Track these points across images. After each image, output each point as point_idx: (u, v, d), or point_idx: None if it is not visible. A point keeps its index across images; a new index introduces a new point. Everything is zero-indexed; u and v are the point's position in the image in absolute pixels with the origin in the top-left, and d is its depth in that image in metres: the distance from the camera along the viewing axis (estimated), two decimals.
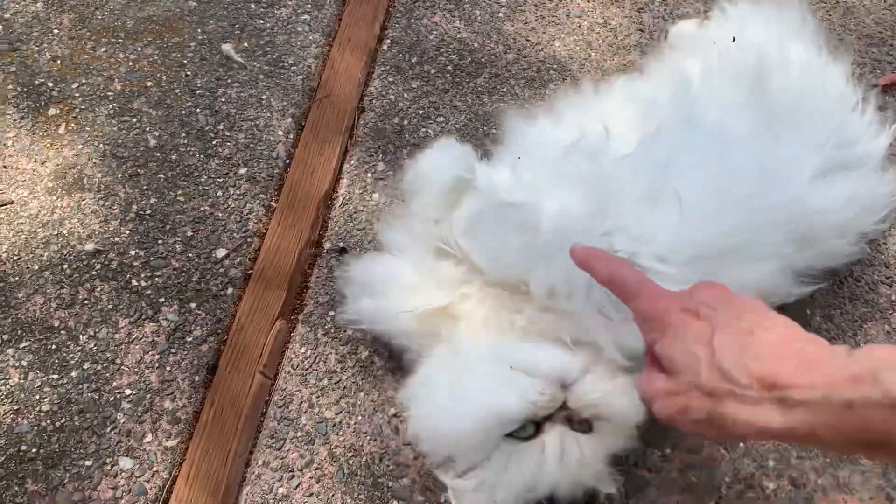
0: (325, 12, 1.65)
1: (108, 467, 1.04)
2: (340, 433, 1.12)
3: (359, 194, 1.38)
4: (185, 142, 1.38)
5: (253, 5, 1.63)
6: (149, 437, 1.07)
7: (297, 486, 1.06)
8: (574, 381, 0.93)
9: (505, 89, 1.60)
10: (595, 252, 0.80)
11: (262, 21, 1.60)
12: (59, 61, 1.46)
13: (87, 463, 1.04)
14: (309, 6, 1.65)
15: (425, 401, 1.01)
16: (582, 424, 0.94)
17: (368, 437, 1.12)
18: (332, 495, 1.06)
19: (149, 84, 1.45)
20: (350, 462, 1.09)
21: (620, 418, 0.94)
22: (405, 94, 1.55)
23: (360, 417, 1.14)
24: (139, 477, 1.04)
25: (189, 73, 1.48)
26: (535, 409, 0.91)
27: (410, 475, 1.09)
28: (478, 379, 0.94)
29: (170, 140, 1.38)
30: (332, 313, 1.23)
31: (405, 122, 1.50)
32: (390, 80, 1.57)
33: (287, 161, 1.40)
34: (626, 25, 1.79)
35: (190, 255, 1.25)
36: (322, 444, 1.10)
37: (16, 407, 1.08)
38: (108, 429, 1.07)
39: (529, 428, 0.93)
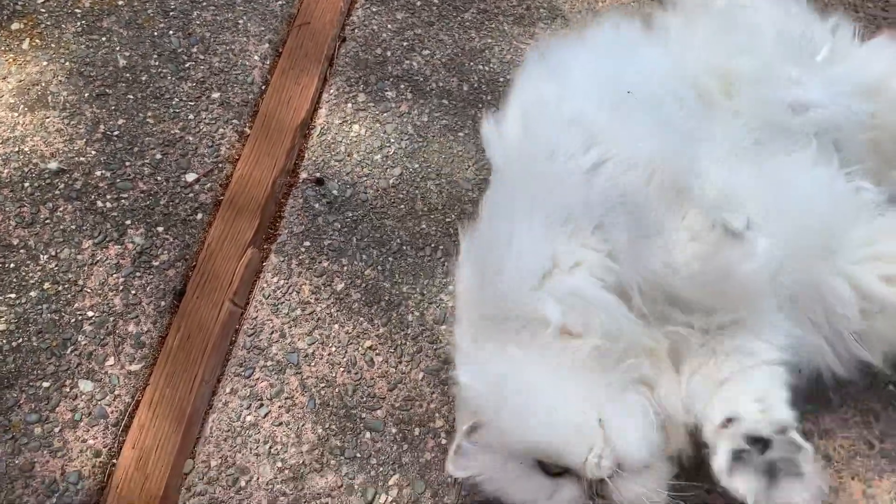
0: None
1: (68, 389, 1.00)
2: (313, 364, 1.08)
3: (338, 125, 1.33)
4: (157, 63, 1.32)
5: None
6: (111, 361, 1.03)
7: (266, 415, 1.03)
8: (627, 472, 0.87)
9: (493, 25, 1.55)
10: None
11: None
12: None
13: (45, 384, 1.00)
14: None
15: (499, 386, 0.93)
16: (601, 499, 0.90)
17: (342, 369, 1.08)
18: (303, 425, 1.03)
19: (120, 3, 1.38)
20: (322, 392, 1.06)
21: None
22: (389, 25, 1.49)
23: (333, 349, 1.10)
24: (100, 400, 1.00)
25: None
26: (581, 468, 0.87)
27: (384, 408, 1.06)
28: (560, 400, 0.89)
29: (140, 61, 1.32)
30: (306, 244, 1.19)
31: (388, 54, 1.45)
32: (373, 9, 1.51)
33: (262, 87, 1.35)
34: None
35: (158, 178, 1.20)
36: (293, 374, 1.07)
37: None
38: (68, 350, 1.03)
39: (558, 469, 0.89)
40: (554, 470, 0.89)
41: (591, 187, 0.94)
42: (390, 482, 1.00)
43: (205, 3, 1.42)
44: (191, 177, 1.21)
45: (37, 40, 1.30)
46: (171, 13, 1.39)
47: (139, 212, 1.16)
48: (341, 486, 0.99)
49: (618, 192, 0.94)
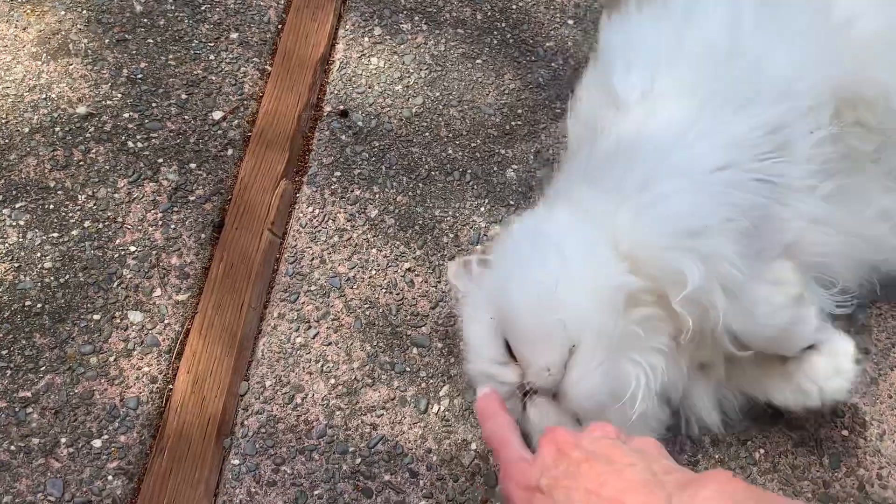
0: None
1: (118, 321, 1.00)
2: (355, 286, 1.08)
3: (356, 58, 1.32)
4: (173, 7, 1.31)
5: None
6: (158, 292, 1.03)
7: (315, 336, 1.03)
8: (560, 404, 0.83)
9: None
10: (489, 411, 0.74)
11: None
12: None
13: (96, 317, 1.00)
14: None
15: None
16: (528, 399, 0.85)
17: (384, 290, 1.08)
18: (351, 343, 1.03)
19: None
20: (367, 313, 1.06)
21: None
22: None
23: (373, 272, 1.10)
24: (150, 329, 1.00)
25: None
26: (526, 366, 0.83)
27: (428, 325, 1.06)
28: (565, 303, 0.82)
29: (156, 6, 1.31)
30: (337, 174, 1.18)
31: None
32: None
33: (279, 26, 1.34)
34: None
35: (185, 117, 1.19)
36: (337, 297, 1.07)
37: (17, 265, 1.02)
38: (115, 284, 1.03)
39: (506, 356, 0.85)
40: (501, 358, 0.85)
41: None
42: (441, 393, 1.01)
43: None
44: (217, 115, 1.20)
45: None
46: None
47: (170, 150, 1.15)
48: (394, 398, 1.00)
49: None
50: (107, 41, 1.25)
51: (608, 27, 1.15)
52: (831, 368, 0.96)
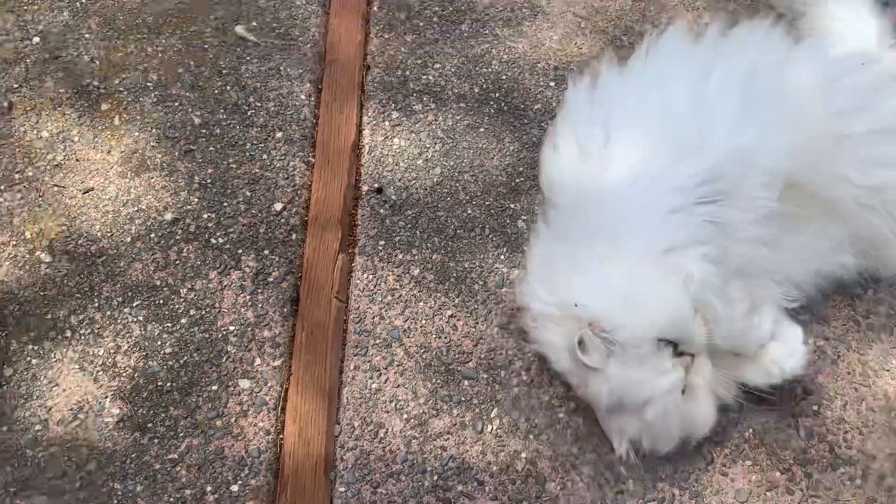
0: None
1: (232, 388, 1.25)
2: (411, 336, 1.33)
3: (381, 141, 1.57)
4: (224, 116, 1.55)
5: None
6: (258, 361, 1.27)
7: (386, 381, 1.28)
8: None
9: (487, 31, 1.78)
10: None
11: (263, 1, 1.75)
12: (97, 62, 1.60)
13: (214, 387, 1.24)
14: None
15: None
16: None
17: (434, 336, 1.33)
18: (415, 383, 1.28)
19: (180, 70, 1.61)
20: (423, 356, 1.31)
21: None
22: (402, 48, 1.72)
23: (423, 321, 1.35)
24: (258, 392, 1.25)
25: (212, 55, 1.64)
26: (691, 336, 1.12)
27: (474, 360, 1.31)
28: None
29: (210, 117, 1.55)
30: (381, 243, 1.43)
31: (407, 73, 1.68)
32: (386, 37, 1.74)
33: (314, 121, 1.58)
34: None
35: (253, 211, 1.43)
36: (398, 347, 1.32)
37: (145, 353, 1.27)
38: (224, 359, 1.27)
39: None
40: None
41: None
42: (492, 415, 1.26)
43: (248, 58, 1.65)
44: (278, 206, 1.44)
45: (124, 115, 1.53)
46: (223, 71, 1.62)
47: (246, 241, 1.40)
48: (455, 424, 1.25)
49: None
50: (176, 153, 1.49)
51: (575, 88, 1.42)
52: (787, 351, 1.23)
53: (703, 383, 1.15)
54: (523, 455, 1.23)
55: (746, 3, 1.93)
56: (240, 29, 1.68)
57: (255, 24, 1.70)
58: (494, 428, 1.25)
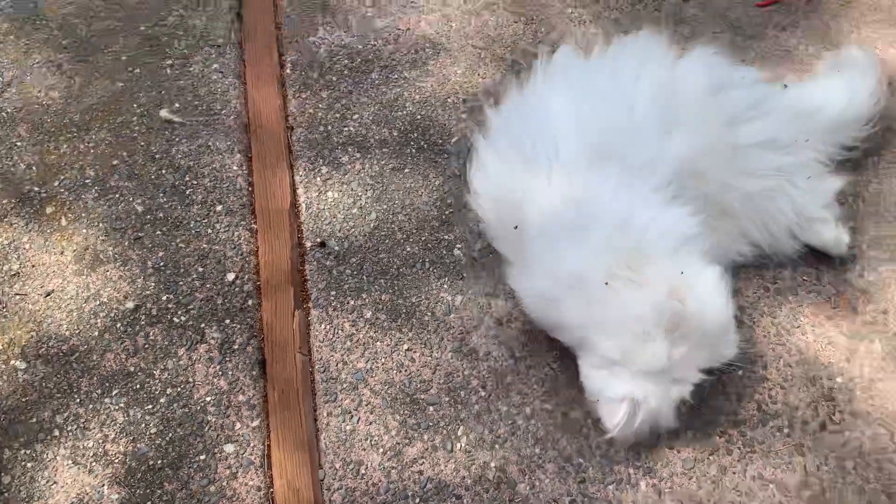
0: (228, 57, 1.90)
1: (218, 455, 1.34)
2: (374, 375, 1.44)
3: (316, 196, 1.68)
4: (165, 200, 1.64)
5: (168, 70, 1.86)
6: (238, 425, 1.37)
7: (358, 421, 1.39)
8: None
9: (396, 76, 1.90)
10: None
11: (181, 81, 1.84)
12: (34, 167, 1.67)
13: (202, 457, 1.34)
14: (213, 55, 1.90)
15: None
16: None
17: (395, 371, 1.45)
18: (385, 418, 1.39)
19: (115, 163, 1.69)
20: (388, 392, 1.42)
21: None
22: (319, 105, 1.83)
23: (383, 359, 1.46)
24: (243, 454, 1.35)
25: (142, 143, 1.72)
26: None
27: (435, 386, 1.43)
28: None
29: (152, 202, 1.63)
30: (332, 293, 1.54)
31: (329, 128, 1.79)
32: (303, 97, 1.85)
33: (250, 189, 1.68)
34: None
35: (208, 285, 1.53)
36: (364, 388, 1.43)
37: (132, 437, 1.36)
38: (206, 429, 1.37)
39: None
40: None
41: None
42: (459, 433, 1.38)
43: (177, 139, 1.74)
44: (231, 276, 1.54)
45: (69, 215, 1.60)
46: (156, 156, 1.71)
47: (207, 315, 1.49)
48: (427, 448, 1.37)
49: None
50: (126, 243, 1.57)
51: (505, 109, 1.54)
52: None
53: None
54: (492, 464, 1.35)
55: (628, 12, 2.09)
56: (164, 112, 1.76)
57: (177, 105, 1.79)
58: (463, 444, 1.37)
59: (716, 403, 1.42)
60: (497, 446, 1.37)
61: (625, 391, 1.26)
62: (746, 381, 1.46)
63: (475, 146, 1.56)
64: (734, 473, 1.36)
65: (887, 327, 1.57)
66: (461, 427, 1.39)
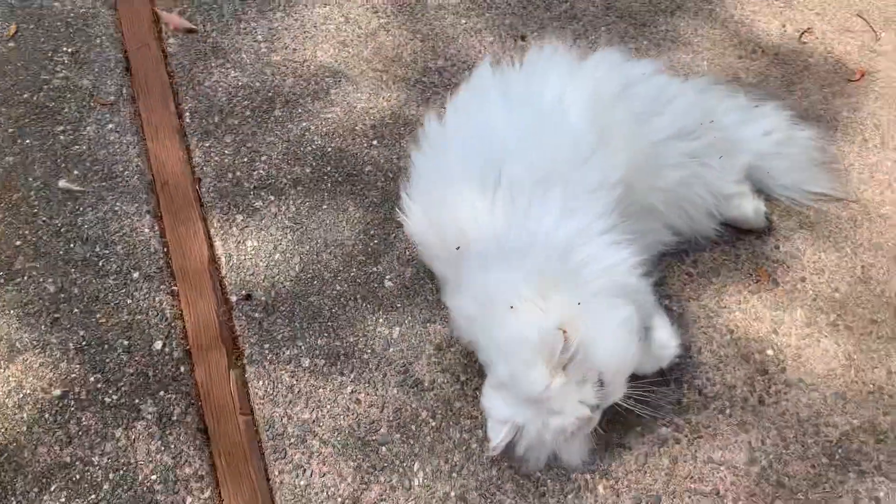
0: (123, 114, 1.83)
1: None
2: (321, 424, 1.42)
3: (234, 247, 1.63)
4: (78, 275, 1.57)
5: (61, 136, 1.78)
6: (189, 499, 1.33)
7: (311, 474, 1.36)
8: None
9: (299, 110, 1.87)
10: None
11: (77, 147, 1.76)
12: None
13: None
14: (108, 115, 1.82)
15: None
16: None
17: (341, 416, 1.43)
18: (339, 466, 1.37)
19: (18, 243, 1.61)
20: (338, 439, 1.40)
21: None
22: (225, 151, 1.78)
23: (328, 406, 1.44)
24: None
25: (44, 218, 1.64)
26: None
27: (384, 425, 1.42)
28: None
29: (64, 280, 1.56)
30: (266, 346, 1.50)
31: (238, 174, 1.74)
32: (206, 145, 1.79)
33: (165, 250, 1.62)
34: (363, 14, 2.08)
35: (136, 358, 1.47)
36: (313, 439, 1.40)
37: None
38: None
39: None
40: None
41: None
42: (415, 468, 1.37)
43: (81, 208, 1.66)
44: (158, 344, 1.49)
45: None
46: (61, 230, 1.63)
47: (139, 389, 1.43)
48: (386, 489, 1.35)
49: None
50: (43, 327, 1.50)
51: (437, 131, 1.53)
52: (666, 335, 1.42)
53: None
54: (452, 493, 1.35)
55: (520, 14, 2.10)
56: (63, 183, 1.69)
57: (76, 172, 1.71)
58: (421, 479, 1.36)
59: (658, 395, 1.44)
60: (455, 475, 1.37)
61: (507, 414, 1.27)
62: (684, 367, 1.50)
63: (412, 166, 1.54)
64: (685, 461, 1.40)
65: (807, 294, 1.63)
66: (416, 462, 1.38)
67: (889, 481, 1.38)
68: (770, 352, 1.54)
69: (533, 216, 1.35)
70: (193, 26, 1.99)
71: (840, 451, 1.42)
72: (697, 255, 1.66)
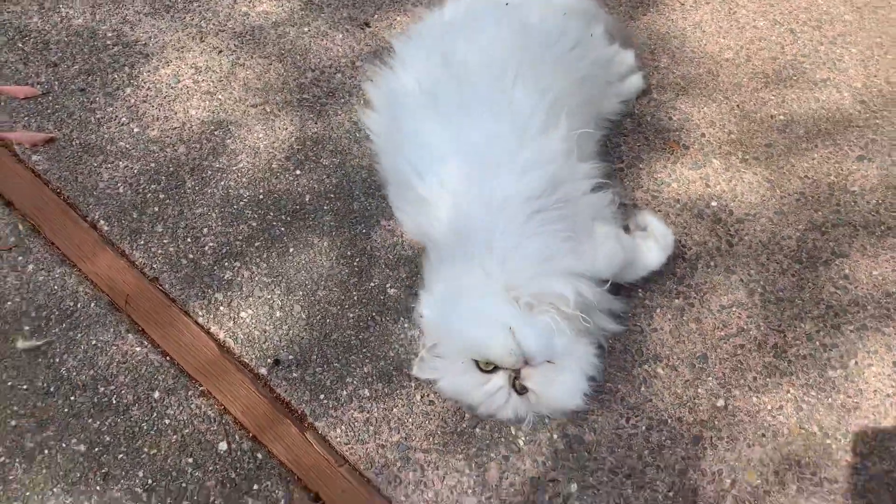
0: (35, 251, 1.64)
1: None
2: (413, 437, 1.46)
3: (232, 326, 1.57)
4: (98, 423, 1.44)
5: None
6: None
7: (433, 482, 1.41)
8: (535, 366, 1.36)
9: (209, 172, 1.79)
10: None
11: (9, 303, 1.58)
12: None
13: None
14: (20, 258, 1.63)
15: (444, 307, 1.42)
16: (521, 390, 1.38)
17: (426, 421, 1.47)
18: (451, 463, 1.43)
19: (14, 423, 1.44)
20: (436, 441, 1.45)
21: (550, 406, 1.41)
22: (164, 241, 1.68)
23: (409, 419, 1.48)
24: None
25: (25, 385, 1.48)
26: (499, 360, 1.35)
27: (465, 411, 1.48)
28: (485, 318, 1.35)
29: (88, 433, 1.43)
30: (320, 397, 1.49)
31: (190, 255, 1.66)
32: (141, 243, 1.67)
33: (167, 358, 1.53)
34: (210, 59, 2.00)
35: (211, 468, 1.41)
36: (414, 453, 1.44)
37: None
38: None
39: (489, 365, 1.38)
40: (485, 368, 1.38)
41: None
42: (514, 433, 1.46)
43: (58, 359, 1.51)
44: (222, 446, 1.43)
45: (16, 500, 1.37)
46: (50, 389, 1.48)
47: (232, 494, 1.37)
48: (501, 462, 1.43)
49: None
50: (98, 487, 1.38)
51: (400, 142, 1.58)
52: (660, 231, 1.60)
53: (536, 385, 1.38)
54: (555, 436, 1.46)
55: (359, 6, 2.11)
56: (21, 344, 1.52)
57: (27, 328, 1.54)
58: (524, 439, 1.46)
59: (627, 359, 1.56)
60: (546, 419, 1.47)
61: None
62: (641, 339, 1.58)
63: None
64: (706, 318, 1.60)
65: (712, 145, 1.88)
66: (511, 427, 1.47)
67: (847, 259, 1.68)
68: (714, 203, 1.77)
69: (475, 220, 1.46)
70: (50, 134, 1.82)
71: (803, 254, 1.69)
72: (615, 151, 1.85)
